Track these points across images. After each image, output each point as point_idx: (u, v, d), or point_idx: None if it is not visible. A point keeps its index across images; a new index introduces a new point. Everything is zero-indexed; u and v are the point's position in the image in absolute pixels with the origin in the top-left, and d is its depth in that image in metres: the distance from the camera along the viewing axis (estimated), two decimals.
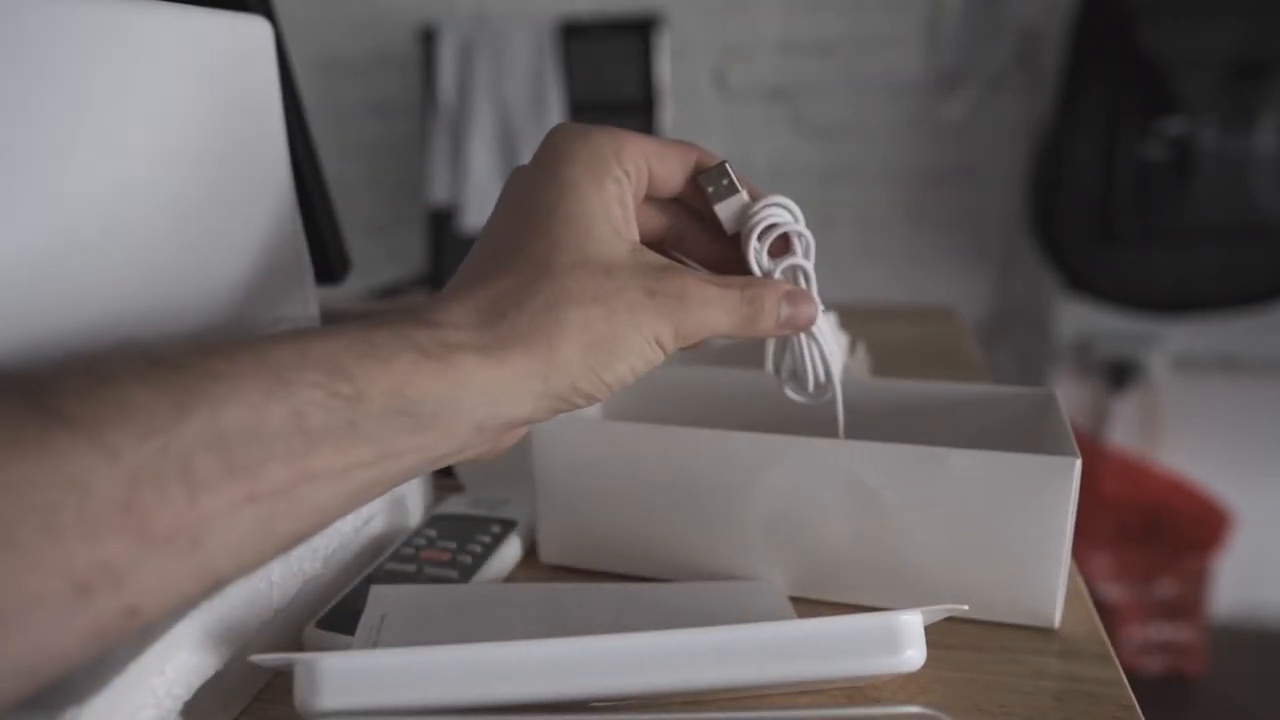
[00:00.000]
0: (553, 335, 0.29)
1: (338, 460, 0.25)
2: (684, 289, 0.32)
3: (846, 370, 0.59)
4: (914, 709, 0.29)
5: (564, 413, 0.31)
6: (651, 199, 0.36)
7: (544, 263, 0.30)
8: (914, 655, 0.29)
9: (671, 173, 0.35)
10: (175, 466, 0.22)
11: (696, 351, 0.46)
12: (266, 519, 0.24)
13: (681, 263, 0.35)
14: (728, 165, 0.35)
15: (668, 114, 1.68)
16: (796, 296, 0.35)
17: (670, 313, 0.31)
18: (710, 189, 0.35)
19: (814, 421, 0.44)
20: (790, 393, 0.40)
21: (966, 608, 0.32)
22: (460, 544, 0.43)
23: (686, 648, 0.28)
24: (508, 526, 0.45)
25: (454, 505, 0.47)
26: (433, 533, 0.44)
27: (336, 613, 0.37)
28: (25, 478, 0.20)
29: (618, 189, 0.32)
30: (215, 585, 0.24)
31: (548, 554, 0.44)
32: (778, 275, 0.36)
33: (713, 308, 0.32)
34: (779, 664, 0.28)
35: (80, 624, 0.21)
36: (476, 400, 0.28)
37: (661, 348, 0.31)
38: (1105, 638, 0.38)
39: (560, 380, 0.29)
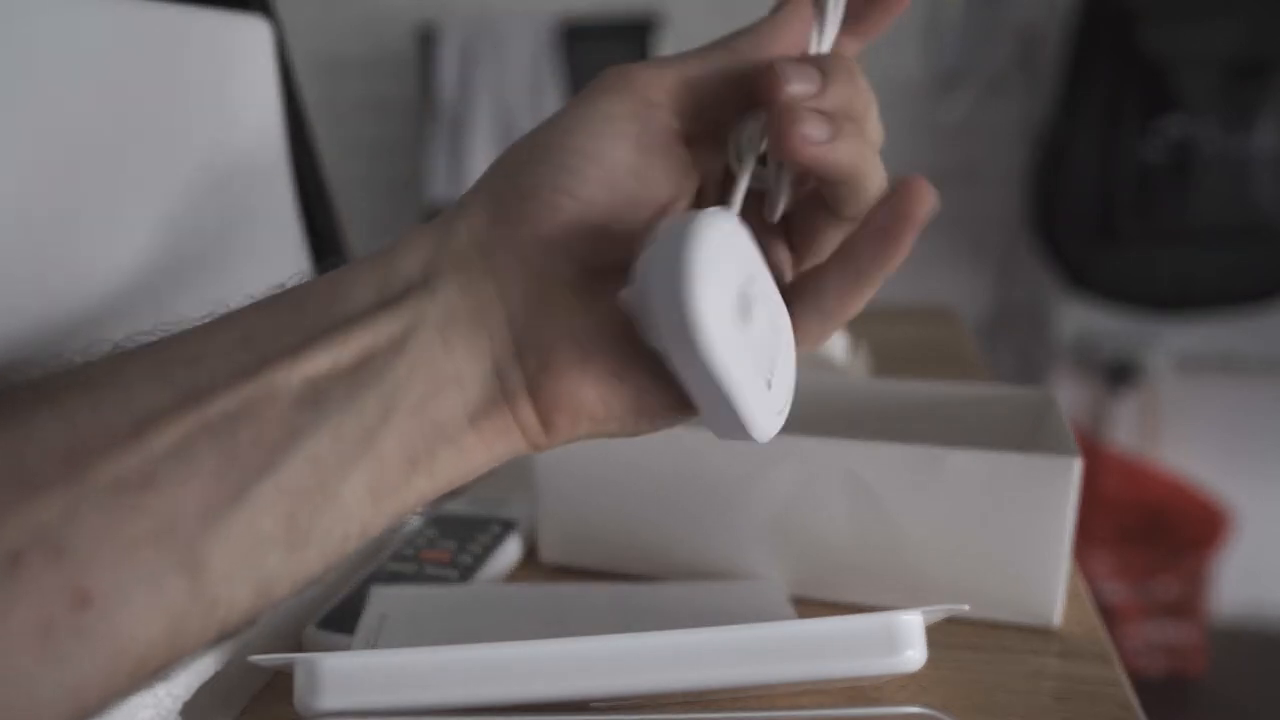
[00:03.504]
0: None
1: (296, 372, 0.22)
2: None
3: (846, 370, 0.59)
4: (915, 709, 0.29)
5: (524, 224, 0.24)
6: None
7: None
8: (914, 655, 0.29)
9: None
10: (116, 398, 0.20)
11: None
12: (231, 452, 0.21)
13: None
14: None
15: None
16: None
17: (609, 77, 0.26)
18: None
19: (814, 421, 0.44)
20: None
21: (967, 607, 0.32)
22: (460, 544, 0.43)
23: (686, 648, 0.28)
24: (508, 526, 0.45)
25: (454, 505, 0.47)
26: (433, 533, 0.44)
27: (336, 613, 0.37)
28: None
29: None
30: (195, 572, 0.20)
31: (548, 554, 0.44)
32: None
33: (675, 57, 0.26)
34: (779, 664, 0.28)
35: (19, 613, 0.18)
36: (408, 259, 0.24)
37: (602, 87, 0.26)
38: (1105, 638, 0.38)
39: (473, 195, 0.25)
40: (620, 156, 0.25)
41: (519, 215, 0.24)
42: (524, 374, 0.24)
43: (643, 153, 0.26)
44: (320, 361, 0.22)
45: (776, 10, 0.28)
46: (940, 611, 0.31)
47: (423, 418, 0.23)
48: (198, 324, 0.23)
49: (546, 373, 0.24)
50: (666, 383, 0.25)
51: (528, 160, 0.25)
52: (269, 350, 0.22)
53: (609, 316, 0.25)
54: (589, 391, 0.25)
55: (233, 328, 0.23)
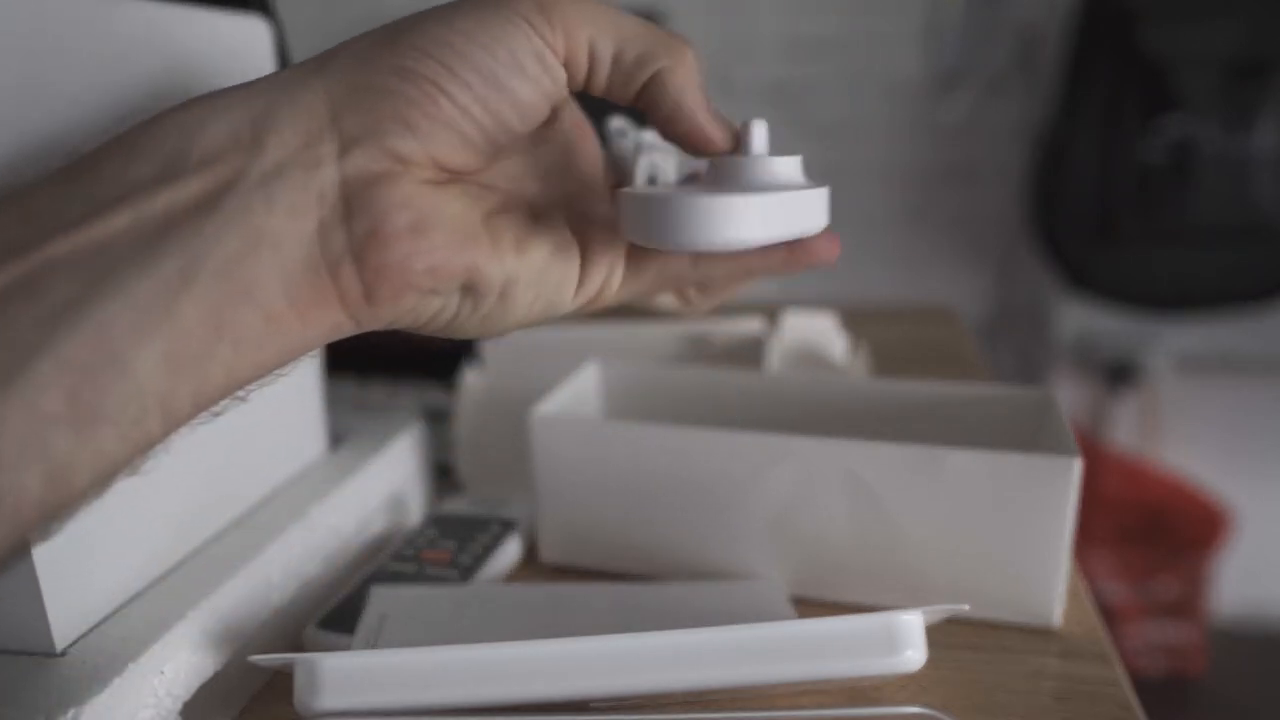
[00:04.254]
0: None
1: (82, 238, 0.20)
2: None
3: (846, 370, 0.59)
4: (915, 709, 0.29)
5: (389, 118, 0.23)
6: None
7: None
8: (914, 656, 0.29)
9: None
10: None
11: (697, 352, 0.43)
12: (4, 335, 0.19)
13: None
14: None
15: None
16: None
17: None
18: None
19: (814, 421, 0.44)
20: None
21: (968, 608, 0.32)
22: (460, 544, 0.43)
23: (686, 648, 0.28)
24: (508, 526, 0.45)
25: (454, 505, 0.47)
26: (433, 533, 0.44)
27: (336, 613, 0.37)
28: None
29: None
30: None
31: (548, 554, 0.44)
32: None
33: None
34: (779, 664, 0.28)
35: None
36: (231, 113, 0.22)
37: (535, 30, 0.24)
38: (1105, 638, 0.38)
39: (338, 58, 0.23)
40: (520, 95, 0.24)
41: (393, 91, 0.23)
42: (350, 237, 0.23)
43: (541, 99, 0.25)
44: (109, 227, 0.20)
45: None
46: (940, 611, 0.31)
47: (230, 280, 0.21)
48: None
49: (375, 236, 0.23)
50: (495, 264, 0.25)
51: (421, 51, 0.23)
52: (51, 224, 0.20)
53: (454, 200, 0.25)
54: (418, 260, 0.23)
55: (16, 205, 0.20)
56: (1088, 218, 1.47)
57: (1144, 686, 0.38)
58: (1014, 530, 0.37)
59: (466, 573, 0.41)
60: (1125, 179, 1.44)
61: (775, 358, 0.57)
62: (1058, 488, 0.36)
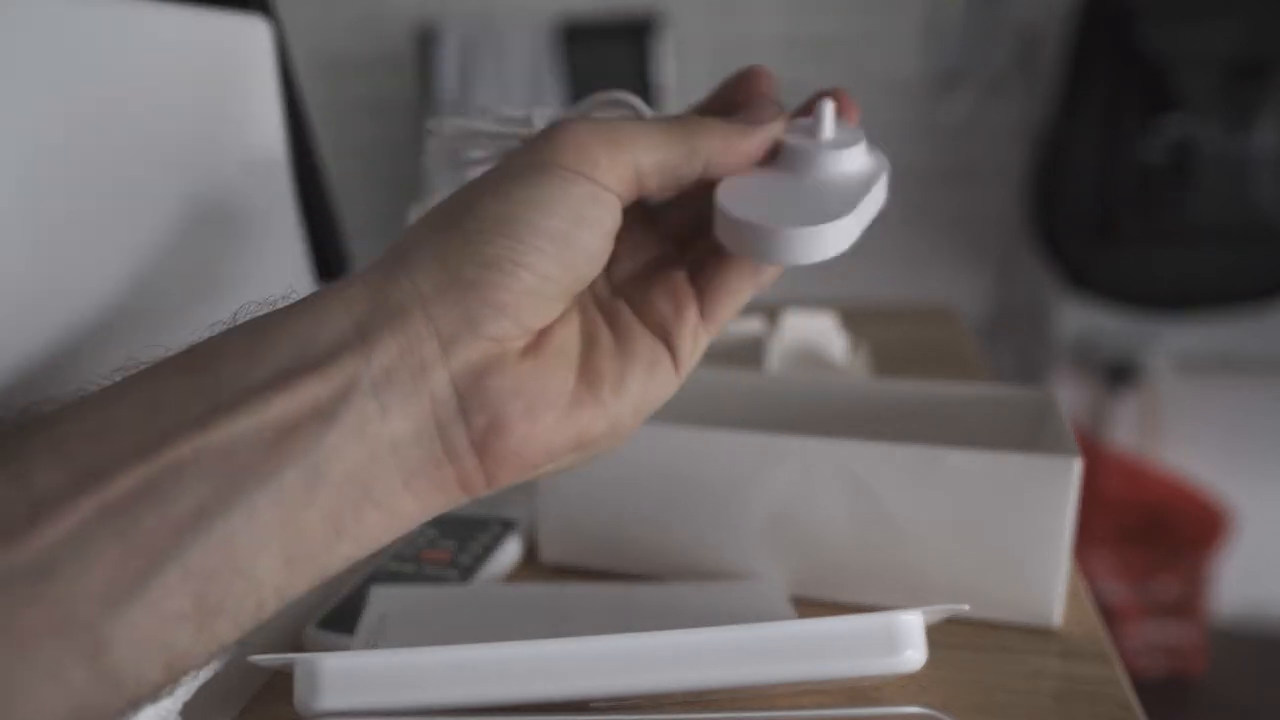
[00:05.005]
0: (400, 244, 0.25)
1: (204, 444, 0.20)
2: (563, 125, 0.26)
3: (846, 370, 0.59)
4: (915, 709, 0.29)
5: (480, 306, 0.24)
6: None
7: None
8: (914, 655, 0.29)
9: None
10: (12, 481, 0.19)
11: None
12: (133, 536, 0.19)
13: None
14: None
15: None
16: (750, 108, 0.30)
17: (538, 139, 0.26)
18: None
19: (814, 421, 0.44)
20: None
21: (968, 607, 0.32)
22: (460, 544, 0.43)
23: (686, 648, 0.28)
24: (508, 526, 0.45)
25: None
26: (433, 533, 0.44)
27: (336, 613, 0.37)
28: None
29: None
30: (98, 656, 0.19)
31: (548, 554, 0.44)
32: None
33: (614, 124, 0.27)
34: (778, 664, 0.28)
35: None
36: (337, 317, 0.23)
37: (549, 162, 0.25)
38: (1105, 638, 0.38)
39: (417, 254, 0.24)
40: (588, 244, 0.25)
41: (477, 281, 0.23)
42: (470, 434, 0.24)
43: (606, 239, 0.26)
44: (233, 431, 0.21)
45: (742, 115, 0.30)
46: (940, 611, 0.31)
47: (352, 488, 0.22)
48: (106, 387, 0.21)
49: (495, 430, 0.24)
50: (600, 418, 0.27)
51: (491, 232, 0.24)
52: (175, 420, 0.20)
53: (554, 370, 0.26)
54: (536, 444, 0.25)
55: (139, 393, 0.21)
56: (1088, 218, 1.47)
57: (1144, 686, 0.38)
58: (1014, 530, 0.37)
59: (466, 573, 0.41)
60: (1125, 179, 1.44)
61: (775, 358, 0.57)
62: (1058, 488, 0.36)
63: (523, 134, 0.31)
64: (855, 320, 0.78)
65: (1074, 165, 1.47)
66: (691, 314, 0.30)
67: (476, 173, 0.27)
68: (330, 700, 0.26)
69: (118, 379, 0.22)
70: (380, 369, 0.22)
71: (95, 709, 0.20)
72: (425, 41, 1.76)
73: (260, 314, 0.23)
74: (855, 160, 0.30)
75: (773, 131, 0.29)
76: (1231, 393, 1.66)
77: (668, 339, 0.29)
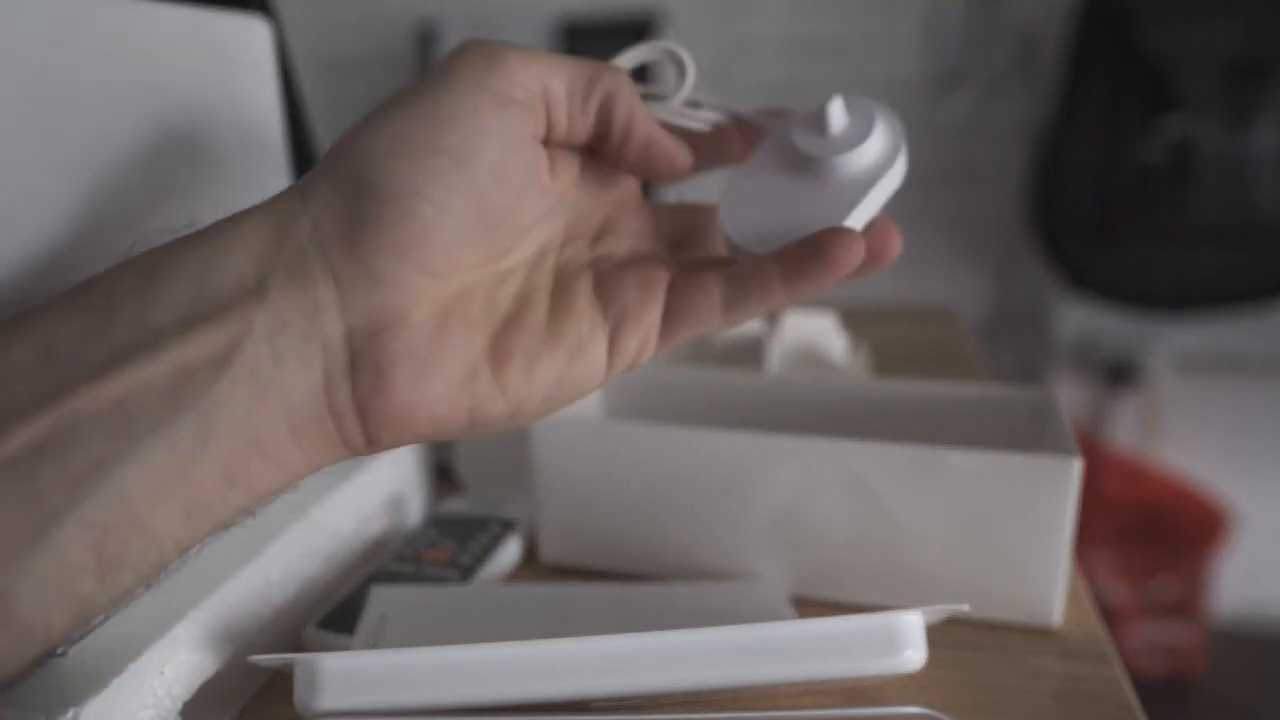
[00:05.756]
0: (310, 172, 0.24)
1: (101, 395, 0.20)
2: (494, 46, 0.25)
3: (846, 370, 0.59)
4: (915, 709, 0.29)
5: (382, 252, 0.23)
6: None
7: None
8: (914, 656, 0.29)
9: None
10: None
11: (697, 352, 0.43)
12: (32, 488, 0.19)
13: None
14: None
15: None
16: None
17: (474, 52, 0.25)
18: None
19: (814, 421, 0.44)
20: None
21: (968, 607, 0.32)
22: (460, 544, 0.43)
23: (686, 648, 0.28)
24: (508, 526, 0.45)
25: (454, 505, 0.47)
26: (433, 533, 0.44)
27: (336, 613, 0.37)
28: None
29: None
30: (5, 607, 0.19)
31: (548, 554, 0.44)
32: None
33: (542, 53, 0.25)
34: (778, 664, 0.28)
35: None
36: (236, 255, 0.22)
37: (446, 72, 0.24)
38: (1105, 638, 0.38)
39: (315, 186, 0.23)
40: (492, 157, 0.24)
41: (372, 218, 0.22)
42: (355, 391, 0.23)
43: (515, 153, 0.24)
44: (129, 380, 0.20)
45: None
46: (941, 611, 0.31)
47: (242, 436, 0.22)
48: (2, 323, 0.21)
49: (379, 393, 0.23)
50: (497, 398, 0.25)
51: (385, 154, 0.23)
52: (73, 368, 0.20)
53: (457, 337, 0.24)
54: (420, 413, 0.24)
55: (35, 334, 0.21)
56: (1088, 218, 1.47)
57: (1144, 686, 0.38)
58: (1014, 530, 0.37)
59: (466, 573, 0.41)
60: (1125, 179, 1.44)
61: (775, 358, 0.57)
62: (1058, 488, 0.36)
63: None
64: (855, 320, 0.78)
65: (1074, 165, 1.47)
66: (653, 315, 0.27)
67: None
68: (330, 700, 0.26)
69: (9, 319, 0.21)
70: (276, 316, 0.22)
71: (7, 656, 0.20)
72: (425, 41, 1.76)
73: (157, 246, 0.22)
74: (866, 154, 0.30)
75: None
76: (1231, 393, 1.66)
77: (616, 329, 0.27)
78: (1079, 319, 1.67)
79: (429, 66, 1.74)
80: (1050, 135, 1.50)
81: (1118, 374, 1.68)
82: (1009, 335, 1.78)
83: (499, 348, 0.25)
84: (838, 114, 0.30)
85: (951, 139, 1.70)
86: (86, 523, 0.20)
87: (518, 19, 1.74)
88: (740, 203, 0.30)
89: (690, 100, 0.32)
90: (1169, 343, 1.65)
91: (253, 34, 0.37)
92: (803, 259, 0.27)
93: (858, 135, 0.30)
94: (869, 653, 0.28)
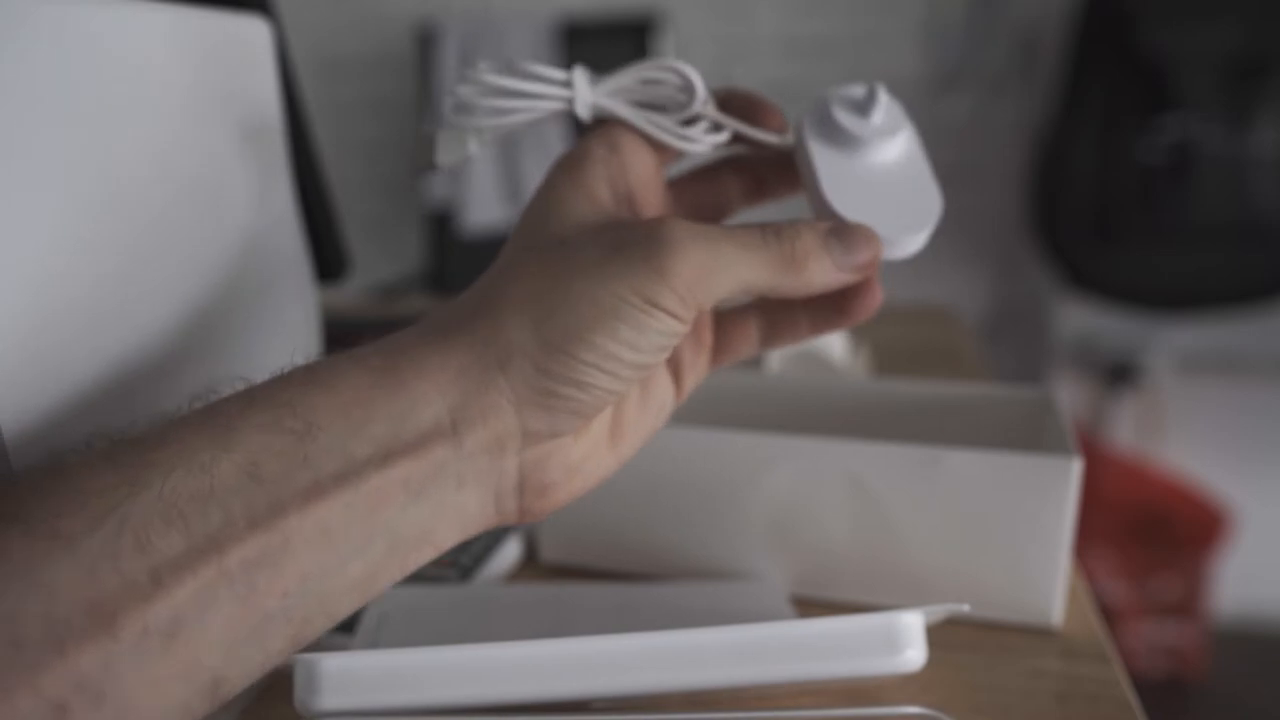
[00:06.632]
0: (495, 308, 0.25)
1: (309, 519, 0.22)
2: (663, 234, 0.25)
3: (846, 370, 0.59)
4: (914, 709, 0.29)
5: (566, 414, 0.26)
6: (703, 174, 0.33)
7: (500, 260, 0.28)
8: (914, 655, 0.29)
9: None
10: (132, 545, 0.20)
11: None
12: (249, 598, 0.22)
13: None
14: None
15: None
16: (843, 231, 0.28)
17: (648, 260, 0.25)
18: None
19: (814, 421, 0.44)
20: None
21: (968, 607, 0.32)
22: (460, 544, 0.43)
23: (685, 648, 0.28)
24: (508, 526, 0.45)
25: None
26: None
27: None
28: None
29: (600, 168, 0.29)
30: (215, 690, 0.22)
31: (548, 554, 0.44)
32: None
33: (719, 246, 0.26)
34: (777, 664, 0.28)
35: None
36: (433, 404, 0.24)
37: (656, 305, 0.25)
38: (1105, 638, 0.38)
39: (518, 361, 0.25)
40: (660, 364, 0.29)
41: (565, 396, 0.25)
42: (520, 500, 0.27)
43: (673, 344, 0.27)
44: (333, 505, 0.23)
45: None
46: (940, 611, 0.31)
47: (421, 541, 0.25)
48: (195, 431, 0.23)
49: (540, 499, 0.27)
50: (617, 462, 0.30)
51: (593, 366, 0.25)
52: (281, 493, 0.22)
53: (597, 440, 0.29)
54: (569, 498, 0.28)
55: (241, 453, 0.22)
56: (1088, 218, 1.47)
57: (1144, 686, 0.38)
58: (1014, 530, 0.37)
59: (466, 573, 0.41)
60: (1125, 179, 1.44)
61: (775, 358, 0.57)
62: (1058, 488, 0.36)
63: (562, 99, 0.29)
64: None
65: (1074, 165, 1.47)
66: (705, 359, 0.32)
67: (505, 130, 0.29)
68: (330, 700, 0.26)
69: (202, 424, 0.23)
70: (469, 452, 0.25)
71: (198, 715, 0.23)
72: (425, 41, 1.76)
73: (349, 371, 0.25)
74: (899, 139, 0.31)
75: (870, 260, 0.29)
76: (1231, 393, 1.66)
77: (678, 379, 0.31)
78: (1079, 319, 1.67)
79: (429, 66, 1.74)
80: (1050, 135, 1.51)
81: (1118, 374, 1.68)
82: (1009, 335, 1.79)
83: (615, 430, 0.30)
84: (884, 99, 0.30)
85: (951, 139, 1.70)
86: (289, 618, 0.23)
87: (518, 19, 1.74)
88: (852, 203, 0.29)
89: (689, 116, 0.30)
90: (1169, 343, 1.65)
91: (253, 34, 0.37)
92: (829, 310, 0.31)
93: (893, 121, 0.31)
94: (869, 653, 0.28)
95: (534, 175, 1.67)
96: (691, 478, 0.40)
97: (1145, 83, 1.42)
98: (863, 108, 0.31)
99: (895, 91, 0.33)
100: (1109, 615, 1.54)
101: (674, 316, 0.25)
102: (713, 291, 0.26)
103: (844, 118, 0.30)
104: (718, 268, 0.26)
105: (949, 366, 0.75)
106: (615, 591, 0.39)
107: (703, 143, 0.30)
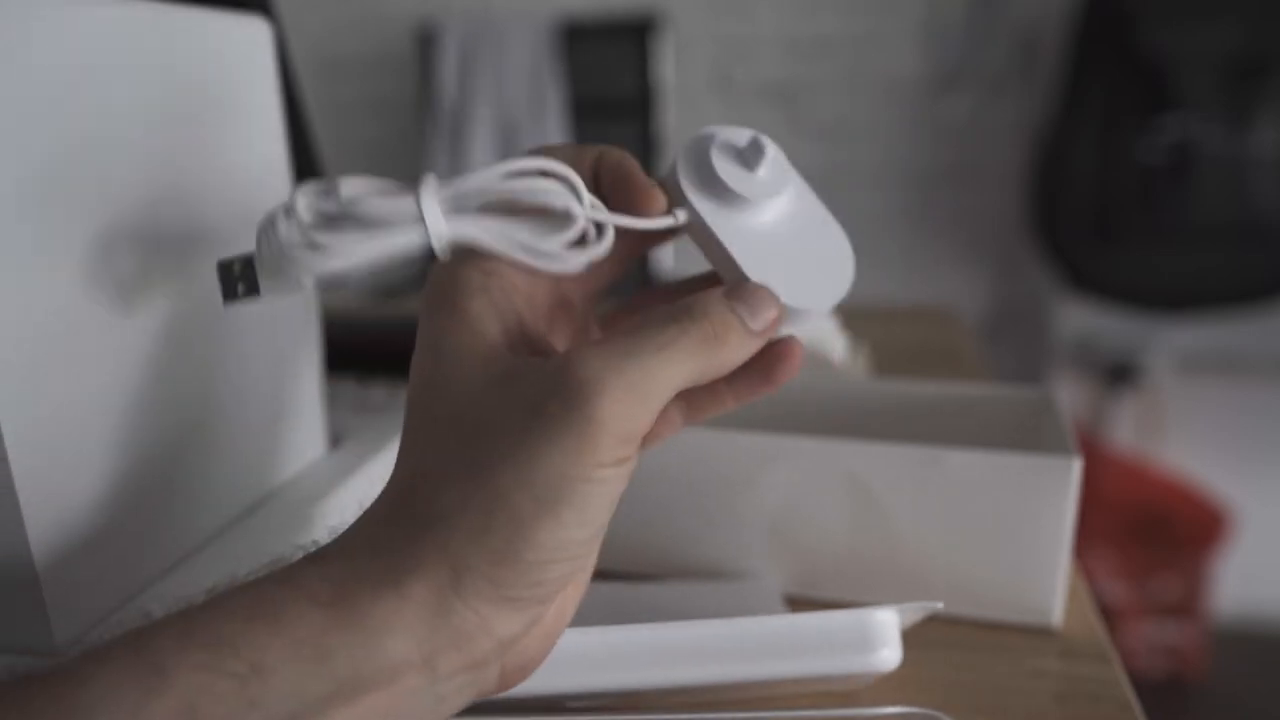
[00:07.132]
0: (431, 527, 0.23)
1: None
2: (577, 375, 0.22)
3: (846, 370, 0.59)
4: (914, 709, 0.29)
5: (535, 604, 0.24)
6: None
7: (409, 432, 0.25)
8: (889, 655, 0.29)
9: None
10: None
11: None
12: None
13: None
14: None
15: (668, 114, 1.68)
16: (743, 292, 0.26)
17: (570, 414, 0.22)
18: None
19: (814, 422, 0.44)
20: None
21: (941, 605, 0.31)
22: None
23: (649, 644, 0.28)
24: None
25: None
26: None
27: None
28: None
29: (480, 300, 0.25)
30: None
31: None
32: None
33: (641, 359, 0.23)
34: (750, 661, 0.28)
35: None
36: (399, 637, 0.22)
37: (599, 465, 0.22)
38: (1105, 638, 0.38)
39: (469, 580, 0.22)
40: (604, 519, 0.24)
41: (528, 598, 0.23)
42: (502, 684, 0.25)
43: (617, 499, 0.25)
44: None
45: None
46: (917, 609, 0.31)
47: None
48: (124, 669, 0.21)
49: (520, 671, 0.26)
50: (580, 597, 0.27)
51: (547, 562, 0.23)
52: None
53: (569, 600, 0.26)
54: (542, 657, 0.26)
55: (173, 697, 0.20)
56: (1087, 218, 1.47)
57: (1144, 686, 0.38)
58: (1014, 530, 0.37)
59: None
60: (1125, 179, 1.44)
61: None
62: (1058, 488, 0.36)
63: (412, 242, 0.24)
64: (855, 320, 0.78)
65: (1074, 165, 1.47)
66: (677, 426, 0.28)
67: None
68: None
69: (120, 645, 0.21)
70: (443, 679, 0.23)
71: None
72: (425, 41, 1.76)
73: (295, 604, 0.22)
74: (784, 198, 0.28)
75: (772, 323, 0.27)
76: (1231, 393, 1.66)
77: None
78: (1079, 319, 1.67)
79: (429, 66, 1.74)
80: (1050, 135, 1.51)
81: (1118, 374, 1.68)
82: (1009, 335, 1.78)
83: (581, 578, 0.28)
84: (770, 152, 0.27)
85: (951, 139, 1.70)
86: None
87: (518, 19, 1.74)
88: (763, 265, 0.27)
89: (571, 228, 0.25)
90: (1169, 343, 1.65)
91: (253, 34, 0.37)
92: (753, 377, 0.27)
93: (778, 177, 0.28)
94: (841, 650, 0.28)
95: None
96: (691, 477, 0.40)
97: (1145, 83, 1.42)
98: (747, 160, 0.27)
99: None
100: (1109, 615, 1.54)
101: (622, 462, 0.23)
102: (651, 410, 0.23)
103: (728, 173, 0.27)
104: (649, 384, 0.23)
105: (949, 366, 0.75)
106: (612, 591, 0.39)
107: (577, 262, 0.25)
